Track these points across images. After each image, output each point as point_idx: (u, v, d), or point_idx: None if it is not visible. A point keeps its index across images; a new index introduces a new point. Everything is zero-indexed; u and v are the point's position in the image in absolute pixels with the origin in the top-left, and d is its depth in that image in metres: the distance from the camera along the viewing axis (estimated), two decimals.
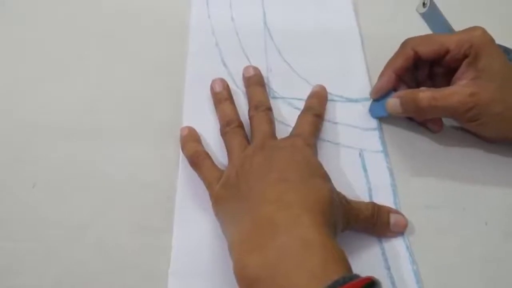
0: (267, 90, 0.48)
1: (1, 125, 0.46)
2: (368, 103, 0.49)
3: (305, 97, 0.48)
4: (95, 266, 0.39)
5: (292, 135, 0.44)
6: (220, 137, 0.45)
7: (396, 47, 0.47)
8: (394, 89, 0.47)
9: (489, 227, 0.43)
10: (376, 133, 0.47)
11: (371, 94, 0.48)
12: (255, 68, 0.49)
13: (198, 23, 0.53)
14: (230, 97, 0.46)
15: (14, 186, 0.42)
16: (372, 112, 0.49)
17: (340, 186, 0.40)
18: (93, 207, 0.42)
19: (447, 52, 0.44)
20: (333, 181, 0.39)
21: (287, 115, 0.47)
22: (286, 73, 0.51)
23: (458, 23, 0.47)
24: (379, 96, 0.47)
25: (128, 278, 0.39)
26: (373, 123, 0.48)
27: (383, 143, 0.47)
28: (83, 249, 0.40)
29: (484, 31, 0.44)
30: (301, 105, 0.48)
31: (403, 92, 0.45)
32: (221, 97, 0.46)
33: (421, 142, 0.47)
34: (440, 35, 0.46)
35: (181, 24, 0.53)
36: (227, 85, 0.47)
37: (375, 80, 0.49)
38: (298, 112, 0.47)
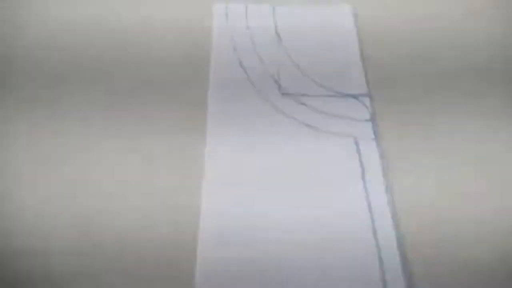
0: (278, 87, 0.58)
1: None
2: (364, 99, 0.58)
3: (310, 93, 0.57)
4: (112, 250, 0.41)
5: None
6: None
7: (393, 47, 0.56)
8: None
9: None
10: (369, 124, 0.56)
11: None
12: None
13: (219, 32, 0.64)
14: None
15: None
16: None
17: (335, 171, 0.49)
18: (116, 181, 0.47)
19: None
20: (329, 167, 0.46)
21: (295, 110, 0.56)
22: (294, 72, 0.60)
23: None
24: None
25: (157, 249, 0.41)
26: (366, 114, 0.57)
27: (375, 132, 0.55)
28: (96, 220, 0.43)
29: None
30: (307, 101, 0.57)
31: None
32: None
33: (412, 128, 0.55)
34: None
35: (203, 33, 0.63)
36: None
37: (370, 77, 0.58)
38: (304, 108, 0.56)
